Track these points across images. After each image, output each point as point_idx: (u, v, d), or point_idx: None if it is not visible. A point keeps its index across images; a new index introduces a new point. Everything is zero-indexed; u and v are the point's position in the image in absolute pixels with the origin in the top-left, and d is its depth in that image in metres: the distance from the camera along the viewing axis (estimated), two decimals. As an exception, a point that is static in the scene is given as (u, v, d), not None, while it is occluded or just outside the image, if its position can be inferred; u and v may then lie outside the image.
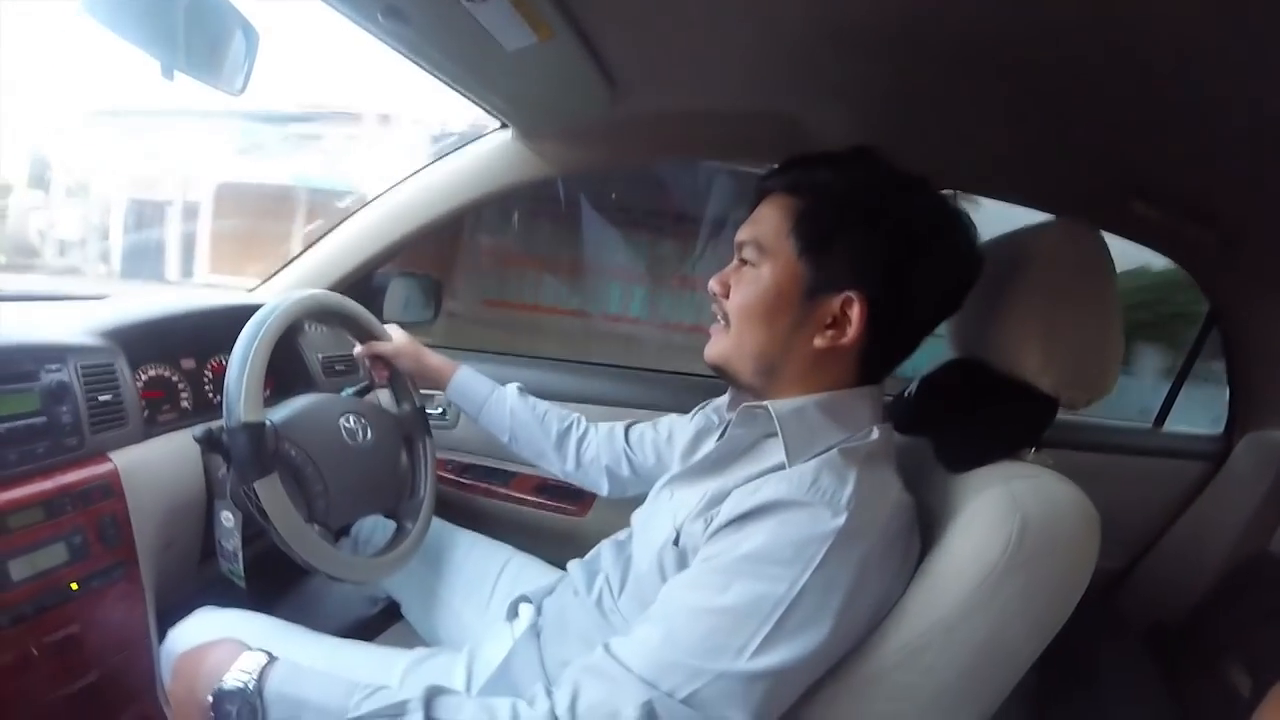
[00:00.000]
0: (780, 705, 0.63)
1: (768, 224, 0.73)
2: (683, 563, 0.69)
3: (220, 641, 0.72)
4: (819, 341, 0.70)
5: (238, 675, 0.65)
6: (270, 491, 0.82)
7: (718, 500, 0.69)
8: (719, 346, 0.76)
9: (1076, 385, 0.73)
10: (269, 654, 0.68)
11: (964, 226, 0.72)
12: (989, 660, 0.66)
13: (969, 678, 0.66)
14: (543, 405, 1.12)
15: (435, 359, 1.11)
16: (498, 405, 1.10)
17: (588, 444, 1.09)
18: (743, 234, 0.75)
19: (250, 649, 0.68)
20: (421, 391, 1.14)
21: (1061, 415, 0.77)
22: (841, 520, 0.61)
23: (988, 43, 0.79)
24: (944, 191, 1.24)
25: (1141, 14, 0.67)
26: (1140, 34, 0.71)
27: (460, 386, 1.11)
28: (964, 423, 0.79)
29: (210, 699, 0.64)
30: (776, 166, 0.78)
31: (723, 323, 0.76)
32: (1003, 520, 0.65)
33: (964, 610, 0.64)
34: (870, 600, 0.64)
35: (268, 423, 0.85)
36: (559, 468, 1.10)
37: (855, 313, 0.69)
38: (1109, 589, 1.56)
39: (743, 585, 0.60)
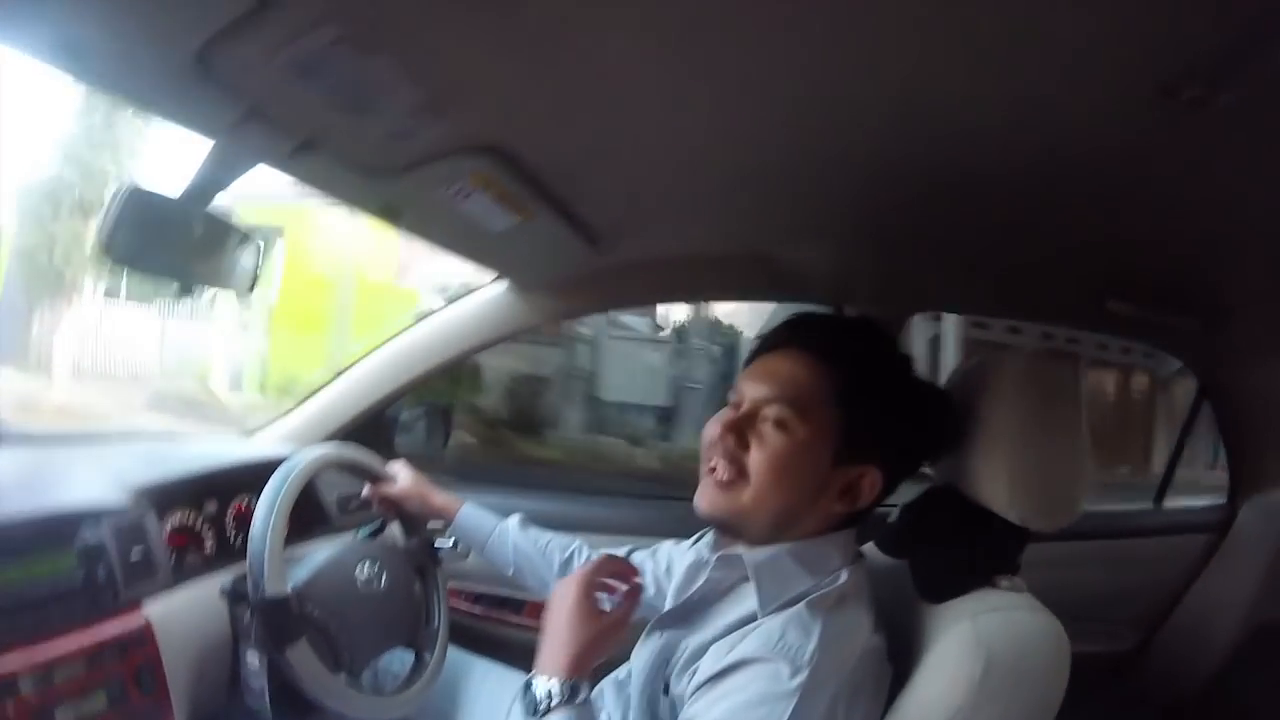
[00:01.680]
0: None
1: (801, 385, 0.74)
2: (673, 711, 0.74)
3: None
4: (838, 507, 0.75)
5: None
6: (301, 656, 0.89)
7: (698, 655, 0.74)
8: (729, 501, 0.75)
9: (1043, 513, 0.76)
10: None
11: (945, 399, 0.80)
12: None
13: None
14: (544, 536, 1.15)
15: (440, 498, 1.16)
16: (500, 540, 1.14)
17: None
18: (764, 390, 0.75)
19: None
20: (430, 525, 1.19)
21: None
22: (803, 677, 0.65)
23: (953, 173, 0.83)
24: (921, 315, 1.30)
25: (1092, 127, 0.70)
26: (1091, 145, 0.74)
27: (464, 523, 1.15)
28: (940, 551, 0.82)
29: None
30: (801, 323, 0.80)
31: (730, 474, 0.75)
32: (969, 658, 0.68)
33: None
34: None
35: (291, 592, 0.91)
36: None
37: (869, 483, 0.74)
38: (1122, 670, 1.54)
39: None
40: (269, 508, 0.93)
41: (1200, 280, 1.14)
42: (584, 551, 1.14)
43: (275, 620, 0.88)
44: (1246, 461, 1.55)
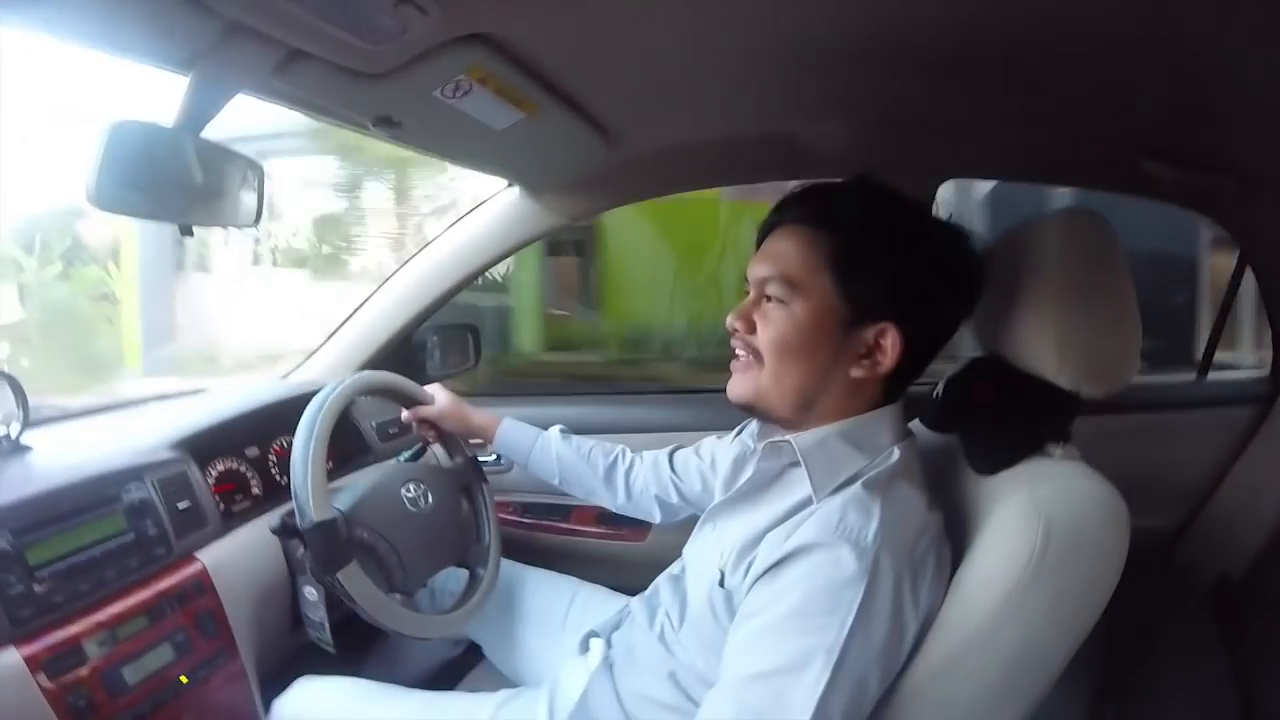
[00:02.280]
0: None
1: (793, 259, 0.74)
2: (730, 604, 0.73)
3: None
4: (856, 372, 0.73)
5: None
6: (353, 578, 0.89)
7: (753, 544, 0.73)
8: (750, 384, 0.77)
9: (1094, 379, 0.73)
10: None
11: (971, 243, 0.75)
12: (1024, 664, 0.69)
13: (1006, 681, 0.69)
14: (587, 444, 1.15)
15: (479, 416, 1.16)
16: (543, 451, 1.14)
17: (635, 476, 1.12)
18: (763, 269, 0.76)
19: None
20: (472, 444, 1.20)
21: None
22: (870, 558, 0.64)
23: (976, 35, 0.79)
24: (948, 180, 1.25)
25: None
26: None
27: (505, 439, 1.16)
28: (988, 422, 0.80)
29: None
30: (789, 199, 0.79)
31: (747, 359, 0.77)
32: (1027, 528, 0.67)
33: (995, 620, 0.67)
34: (912, 622, 0.68)
35: (338, 515, 0.91)
36: (610, 502, 1.14)
37: (890, 341, 0.72)
38: (1168, 548, 1.53)
39: (793, 643, 0.64)
40: (307, 434, 0.93)
41: (1238, 140, 1.08)
42: (627, 456, 1.14)
43: (324, 544, 0.88)
44: None
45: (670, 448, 1.13)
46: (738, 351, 0.78)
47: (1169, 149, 1.12)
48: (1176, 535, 1.53)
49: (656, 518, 1.12)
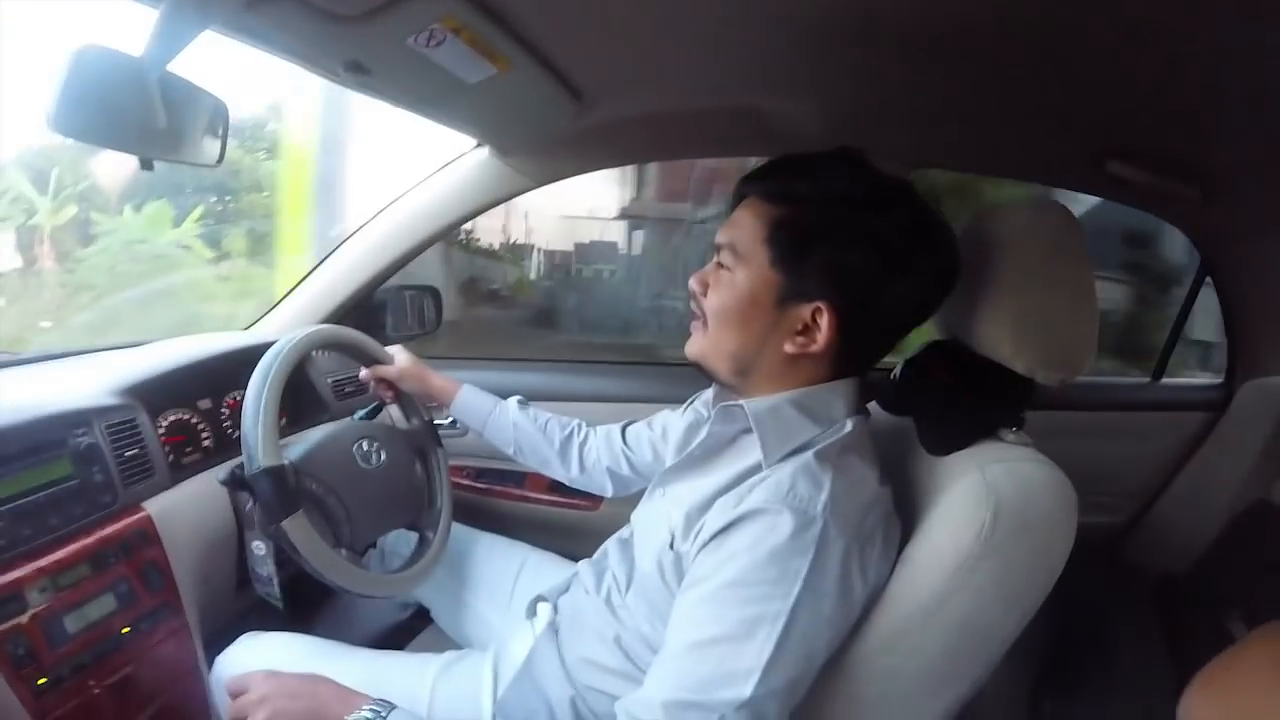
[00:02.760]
0: (791, 707, 0.67)
1: (745, 229, 0.74)
2: (679, 567, 0.73)
3: (320, 680, 0.78)
4: (789, 347, 0.73)
5: (369, 711, 0.71)
6: (298, 528, 0.87)
7: (704, 507, 0.73)
8: (698, 344, 0.79)
9: (1051, 365, 0.74)
10: (389, 703, 0.73)
11: (942, 240, 0.73)
12: (968, 641, 0.70)
13: (950, 658, 0.70)
14: (544, 415, 1.15)
15: (438, 380, 1.15)
16: (500, 420, 1.14)
17: (589, 448, 1.13)
18: (721, 236, 0.77)
19: (370, 699, 0.74)
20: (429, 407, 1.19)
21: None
22: (818, 528, 0.65)
23: (948, 22, 0.79)
24: (916, 168, 1.26)
25: None
26: None
27: (463, 405, 1.15)
28: (944, 405, 0.81)
29: None
30: (756, 170, 0.78)
31: (698, 321, 0.79)
32: (977, 505, 0.68)
33: (942, 594, 0.68)
34: (860, 594, 0.68)
35: (287, 463, 0.90)
36: (564, 474, 1.14)
37: (825, 322, 0.71)
38: (1116, 543, 1.58)
39: (737, 611, 0.64)
40: (261, 381, 0.91)
41: (1203, 147, 1.10)
42: (582, 429, 1.14)
43: (271, 491, 0.87)
44: (1246, 340, 1.54)
45: (623, 422, 1.14)
46: (694, 311, 0.80)
47: (1135, 151, 1.14)
48: (1125, 531, 1.58)
49: (609, 491, 1.12)
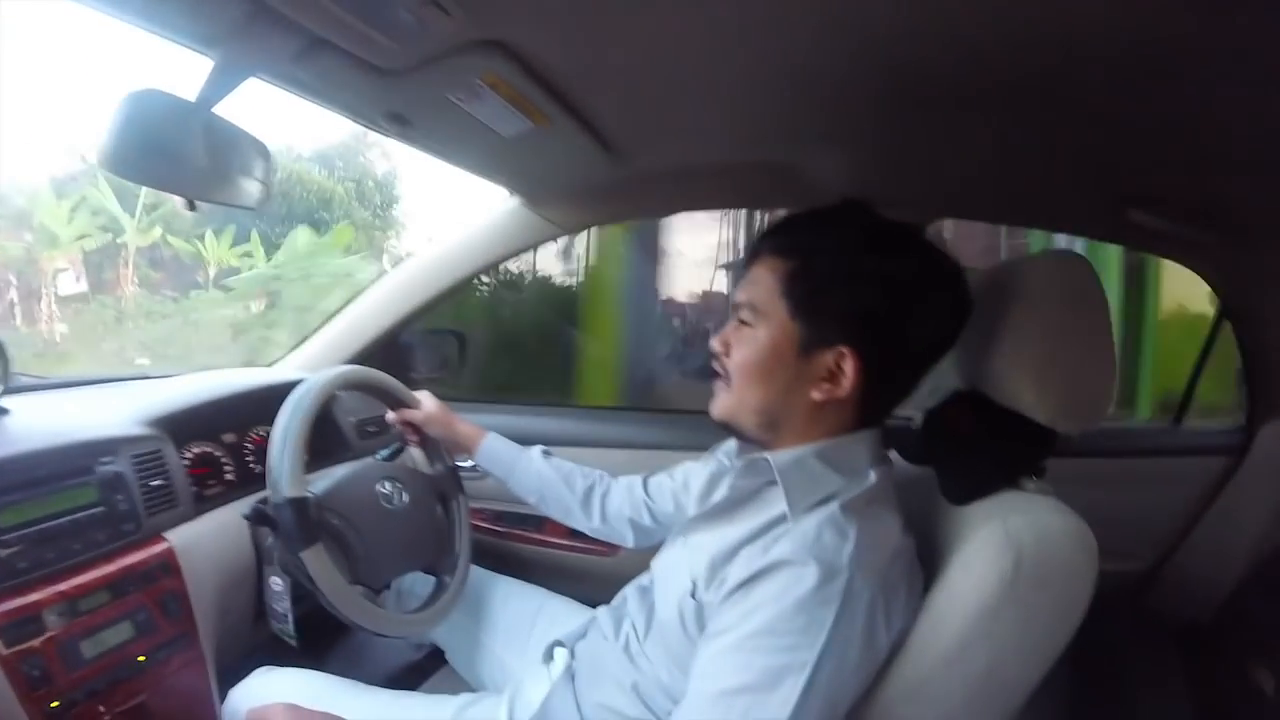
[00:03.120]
0: None
1: (761, 286, 0.76)
2: (700, 616, 0.73)
3: (317, 715, 0.77)
4: (816, 395, 0.74)
5: None
6: (316, 560, 0.88)
7: (728, 557, 0.73)
8: (724, 403, 0.79)
9: (1070, 415, 0.74)
10: None
11: (952, 275, 0.75)
12: (989, 690, 0.69)
13: (971, 707, 0.69)
14: (567, 466, 1.15)
15: (464, 427, 1.16)
16: (525, 469, 1.14)
17: (611, 499, 1.13)
18: (739, 296, 0.79)
19: None
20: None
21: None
22: (844, 579, 0.65)
23: (972, 75, 0.80)
24: (941, 221, 1.27)
25: (1123, 25, 0.67)
26: (1124, 44, 0.71)
27: (488, 453, 1.16)
28: (966, 454, 0.81)
29: None
30: (767, 229, 0.80)
31: (723, 380, 0.80)
32: (999, 555, 0.68)
33: (963, 643, 0.67)
34: (883, 644, 0.68)
35: (310, 496, 0.91)
36: (585, 525, 1.14)
37: (849, 366, 0.72)
38: (1139, 590, 1.55)
39: (763, 660, 0.64)
40: (291, 413, 0.93)
41: (1224, 194, 1.10)
42: (604, 480, 1.14)
43: (293, 521, 0.88)
44: (1266, 384, 1.53)
45: (645, 474, 1.14)
46: (717, 371, 0.81)
47: (1157, 199, 1.15)
48: (1146, 579, 1.55)
49: (629, 542, 1.12)
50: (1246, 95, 0.77)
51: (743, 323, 0.78)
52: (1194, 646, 1.48)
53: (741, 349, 0.77)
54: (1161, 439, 1.61)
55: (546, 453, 1.17)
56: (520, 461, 1.15)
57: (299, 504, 0.89)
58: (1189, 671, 1.40)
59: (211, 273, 5.94)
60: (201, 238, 5.72)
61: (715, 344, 0.80)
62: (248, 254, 5.73)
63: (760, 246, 0.79)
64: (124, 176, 0.70)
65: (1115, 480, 1.45)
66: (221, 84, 0.72)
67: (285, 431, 0.91)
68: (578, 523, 1.14)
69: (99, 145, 0.67)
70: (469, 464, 1.18)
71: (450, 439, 1.16)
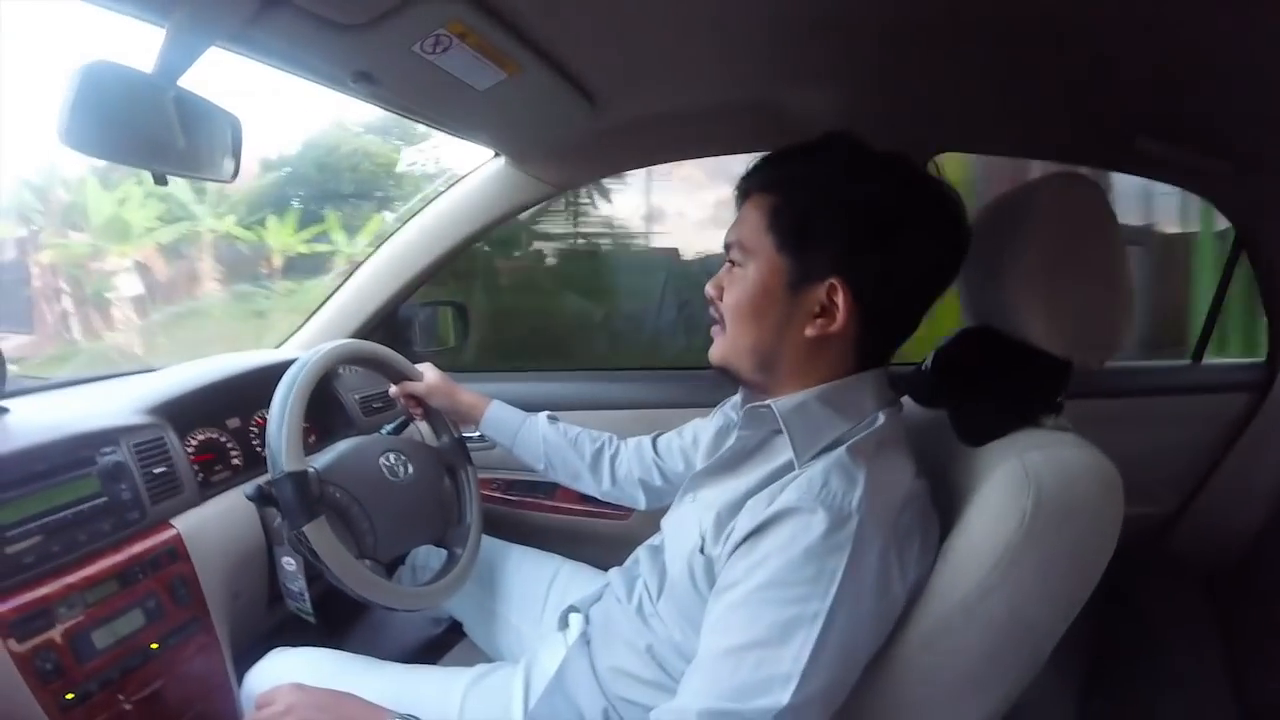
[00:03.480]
0: (831, 712, 0.64)
1: (748, 224, 0.74)
2: (710, 572, 0.72)
3: (346, 696, 0.78)
4: (809, 331, 0.71)
5: None
6: (319, 534, 0.87)
7: (734, 509, 0.71)
8: (719, 348, 0.78)
9: (1087, 346, 0.72)
10: (414, 718, 0.73)
11: (943, 201, 0.72)
12: (1012, 637, 0.67)
13: (994, 655, 0.67)
14: (574, 429, 1.14)
15: (467, 396, 1.15)
16: (530, 435, 1.13)
17: (620, 461, 1.11)
18: (728, 236, 0.77)
19: (396, 714, 0.74)
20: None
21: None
22: (853, 526, 0.62)
23: (968, 5, 0.77)
24: (939, 155, 1.23)
25: None
26: None
27: (492, 421, 1.15)
28: (978, 394, 0.78)
29: None
30: (751, 167, 0.78)
31: (716, 323, 0.79)
32: (1017, 495, 0.65)
33: (983, 589, 0.65)
34: (898, 592, 0.66)
35: (311, 470, 0.90)
36: (595, 488, 1.13)
37: (840, 299, 0.70)
38: (1162, 533, 1.52)
39: (773, 614, 0.62)
40: (287, 389, 0.92)
41: (1233, 119, 1.07)
42: (613, 442, 1.13)
43: (293, 495, 0.87)
44: None
45: (654, 433, 1.13)
46: (713, 315, 0.80)
47: (1164, 127, 1.11)
48: (1168, 522, 1.52)
49: (641, 503, 1.11)
50: (1254, 16, 0.74)
51: (733, 264, 0.76)
52: (1220, 590, 1.45)
53: (733, 290, 0.76)
54: (1180, 376, 1.56)
55: (552, 417, 1.16)
56: (525, 427, 1.14)
57: (298, 478, 0.88)
58: (1216, 617, 1.38)
59: (276, 262, 5.54)
60: (262, 223, 5.30)
61: (709, 289, 0.79)
62: (318, 236, 5.34)
63: (746, 184, 0.77)
64: (85, 152, 0.68)
65: (1133, 420, 1.41)
66: (179, 55, 0.69)
67: (282, 406, 0.91)
68: (587, 487, 1.13)
69: (56, 121, 0.65)
70: (475, 434, 1.18)
71: (453, 409, 1.15)
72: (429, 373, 1.15)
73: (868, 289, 0.70)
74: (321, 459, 0.96)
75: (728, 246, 0.77)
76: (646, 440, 1.11)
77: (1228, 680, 1.26)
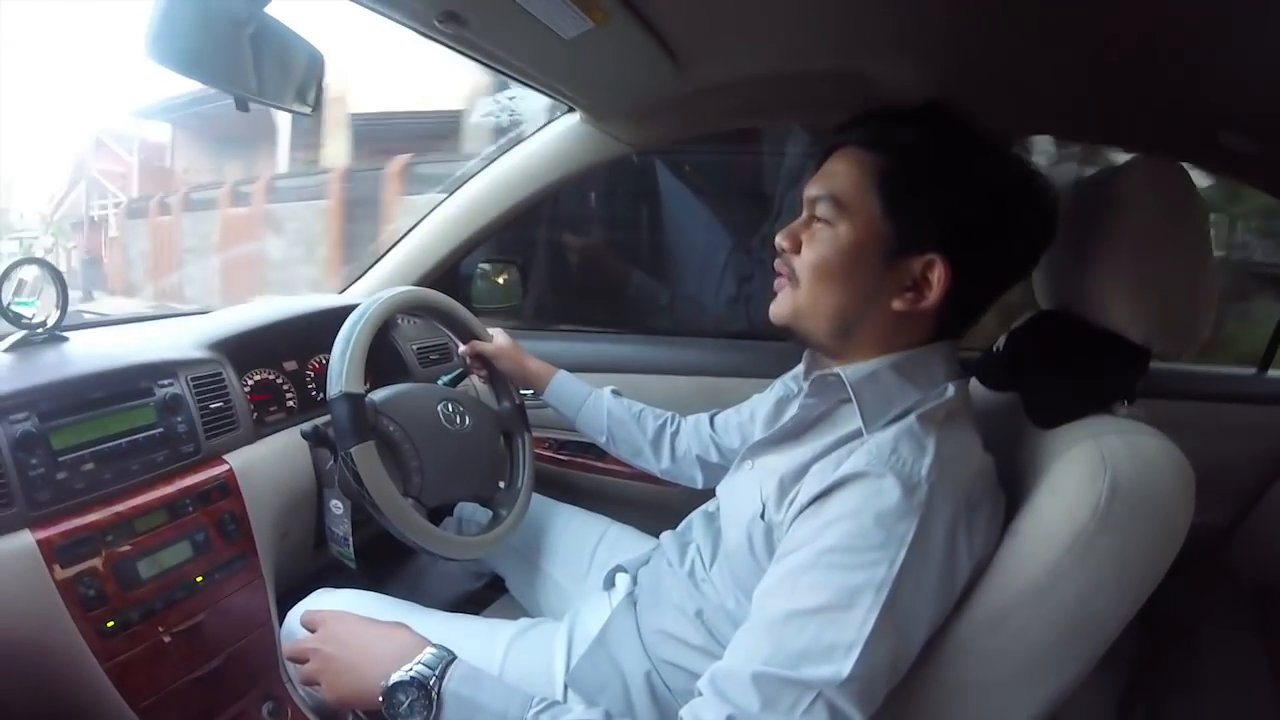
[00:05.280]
0: (889, 688, 0.62)
1: (846, 179, 0.71)
2: (770, 539, 0.70)
3: (395, 627, 0.76)
4: (898, 304, 0.69)
5: (419, 669, 0.67)
6: (366, 458, 0.87)
7: (798, 475, 0.70)
8: (789, 304, 0.74)
9: (1169, 334, 0.70)
10: (451, 652, 0.71)
11: (1044, 186, 0.70)
12: (1079, 624, 0.64)
13: (1059, 643, 0.65)
14: (637, 405, 1.13)
15: (534, 364, 1.15)
16: (595, 408, 1.13)
17: (680, 438, 1.10)
18: (816, 188, 0.73)
19: (433, 645, 0.71)
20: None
21: (1157, 363, 0.73)
22: (923, 494, 0.61)
23: None
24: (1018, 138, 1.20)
25: None
26: None
27: (557, 391, 1.14)
28: (1053, 377, 0.76)
29: (385, 684, 0.67)
30: (852, 119, 0.75)
31: (784, 278, 0.75)
32: (1092, 479, 0.63)
33: (1053, 574, 0.63)
34: (964, 568, 0.64)
35: (368, 399, 0.90)
36: (655, 465, 1.12)
37: (937, 275, 0.67)
38: (1213, 547, 1.47)
39: (840, 579, 0.60)
40: (358, 317, 0.93)
41: None
42: (675, 420, 1.12)
43: (346, 415, 0.87)
44: None
45: (711, 412, 1.11)
46: (779, 270, 0.76)
47: (1249, 120, 1.07)
48: (1223, 535, 1.48)
49: (699, 483, 1.09)
50: None
51: (817, 219, 0.72)
52: (1271, 608, 1.41)
53: (817, 247, 0.71)
54: (1245, 386, 1.51)
55: (616, 392, 1.15)
56: (590, 400, 1.13)
57: (355, 400, 0.88)
58: (1266, 635, 1.33)
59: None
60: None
61: (781, 239, 0.74)
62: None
63: (843, 138, 0.73)
64: (168, 67, 0.67)
65: (1192, 426, 1.34)
66: None
67: (349, 332, 0.91)
68: (647, 463, 1.12)
69: (143, 32, 0.64)
70: (529, 392, 1.17)
71: (520, 375, 1.15)
72: (499, 336, 1.15)
73: (965, 269, 0.67)
74: (380, 393, 0.96)
75: (813, 200, 0.73)
76: (704, 417, 1.10)
77: (1272, 702, 1.22)
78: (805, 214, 0.74)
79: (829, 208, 0.71)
